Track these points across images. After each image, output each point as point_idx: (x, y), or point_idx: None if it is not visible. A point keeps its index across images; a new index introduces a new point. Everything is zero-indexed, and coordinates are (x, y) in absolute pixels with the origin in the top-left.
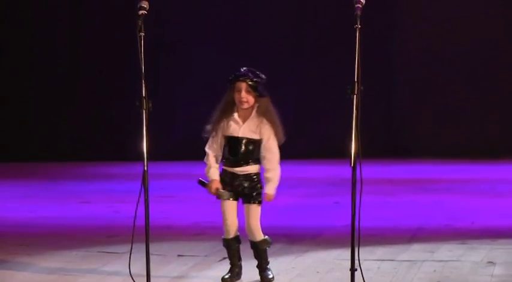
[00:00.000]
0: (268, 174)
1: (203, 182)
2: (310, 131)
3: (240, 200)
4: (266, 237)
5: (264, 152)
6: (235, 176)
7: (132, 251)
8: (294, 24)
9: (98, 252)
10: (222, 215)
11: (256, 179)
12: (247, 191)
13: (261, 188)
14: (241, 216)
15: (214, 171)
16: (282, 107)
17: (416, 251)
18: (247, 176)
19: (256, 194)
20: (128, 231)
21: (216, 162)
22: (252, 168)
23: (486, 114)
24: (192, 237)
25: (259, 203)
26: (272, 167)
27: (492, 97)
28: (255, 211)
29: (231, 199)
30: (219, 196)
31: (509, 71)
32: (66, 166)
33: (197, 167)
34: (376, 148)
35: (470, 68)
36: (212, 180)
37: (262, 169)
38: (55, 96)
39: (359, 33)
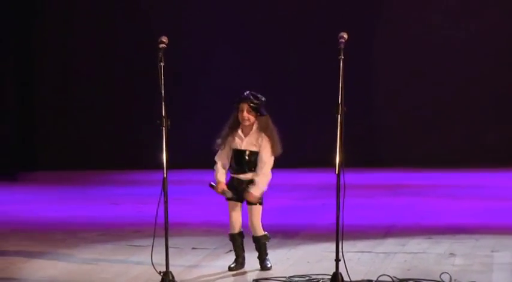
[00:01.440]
0: (256, 178)
1: (212, 185)
2: (303, 144)
3: (245, 201)
4: (266, 233)
5: (259, 161)
6: (240, 181)
7: (154, 244)
8: (290, 55)
9: (125, 245)
10: (228, 213)
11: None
12: (241, 192)
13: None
14: (245, 215)
15: (220, 175)
16: (279, 124)
17: (390, 244)
18: (250, 182)
19: (256, 198)
20: (150, 228)
21: (223, 168)
22: (252, 175)
23: (450, 128)
24: (203, 233)
25: (260, 204)
26: (261, 173)
27: (455, 112)
28: (257, 211)
29: (235, 201)
30: (223, 194)
31: (473, 86)
32: (98, 173)
33: (207, 174)
34: (356, 159)
35: (436, 85)
36: (219, 182)
37: None
38: (91, 114)
39: (342, 63)
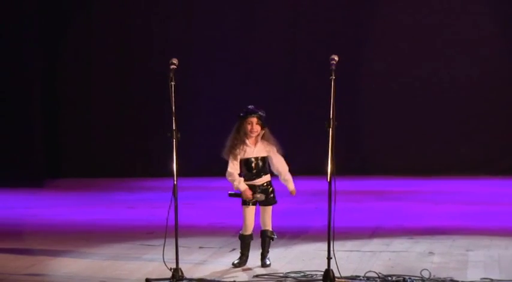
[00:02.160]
0: (285, 177)
1: (234, 193)
2: (298, 155)
3: (259, 204)
4: (272, 230)
5: (276, 163)
6: (254, 186)
7: (165, 243)
8: (287, 73)
9: (140, 244)
10: (243, 216)
11: (269, 187)
12: (265, 196)
13: (273, 192)
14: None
15: (243, 184)
16: (278, 136)
17: (375, 244)
18: (267, 184)
19: (271, 198)
20: (161, 229)
21: (240, 177)
22: (266, 178)
23: (430, 140)
24: (210, 233)
25: (273, 203)
26: (285, 171)
27: (434, 126)
28: (269, 210)
29: (253, 205)
30: (256, 199)
31: (448, 103)
32: (115, 180)
33: (213, 181)
34: (346, 167)
35: (415, 102)
36: (245, 190)
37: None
38: (109, 127)
39: (334, 83)
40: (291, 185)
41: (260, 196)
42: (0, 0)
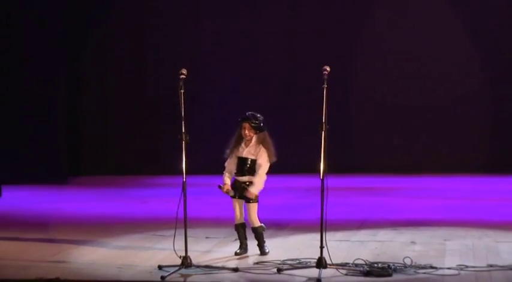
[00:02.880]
0: (254, 179)
1: (220, 186)
2: (294, 155)
3: (243, 199)
4: (261, 224)
5: (256, 166)
6: (239, 182)
7: (175, 234)
8: (286, 81)
9: (152, 235)
10: (233, 208)
11: (249, 185)
12: (238, 191)
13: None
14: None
15: (227, 179)
16: (276, 138)
17: (363, 234)
18: (246, 183)
19: (252, 196)
20: (172, 221)
21: (229, 173)
22: (250, 178)
23: (413, 141)
24: (215, 225)
25: (256, 201)
26: (257, 175)
27: (416, 128)
28: (253, 207)
29: (237, 198)
30: (228, 193)
31: (431, 105)
32: (130, 177)
33: (217, 179)
34: (336, 166)
35: (399, 107)
36: (225, 184)
37: None
38: (125, 129)
39: (326, 91)
40: (252, 188)
41: (230, 192)
42: (30, 5)
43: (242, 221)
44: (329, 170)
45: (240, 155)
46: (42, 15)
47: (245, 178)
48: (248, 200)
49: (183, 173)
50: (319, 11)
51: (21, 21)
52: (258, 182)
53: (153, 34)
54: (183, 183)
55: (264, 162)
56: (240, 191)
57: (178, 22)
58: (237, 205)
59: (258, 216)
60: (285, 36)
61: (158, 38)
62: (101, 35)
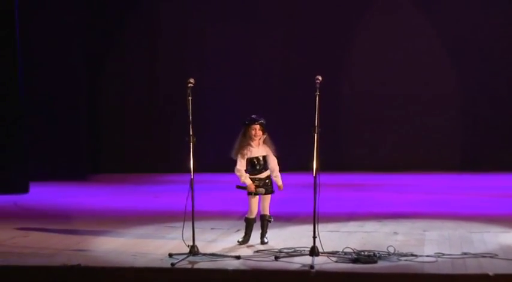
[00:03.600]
0: (276, 174)
1: (241, 186)
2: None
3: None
4: (270, 214)
5: (270, 163)
6: (260, 179)
7: (184, 225)
8: (284, 88)
9: (164, 226)
10: (249, 204)
11: (269, 179)
12: (267, 187)
13: (271, 183)
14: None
15: (248, 179)
16: (275, 139)
17: (351, 226)
18: (267, 178)
19: (269, 188)
20: (181, 214)
21: (246, 173)
22: (266, 173)
23: (395, 143)
24: (219, 217)
25: (271, 193)
26: (276, 170)
27: (400, 130)
28: (268, 198)
29: (263, 194)
30: (258, 192)
31: (411, 109)
32: (144, 175)
33: (222, 176)
34: (328, 165)
35: (385, 112)
36: (250, 184)
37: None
38: (140, 131)
39: (318, 97)
40: (279, 181)
41: (261, 190)
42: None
43: (255, 215)
44: (321, 168)
45: (251, 156)
46: (66, 23)
47: (264, 175)
48: (269, 192)
49: (190, 171)
50: (313, 23)
51: (45, 28)
52: (280, 175)
53: (164, 43)
54: (191, 180)
55: (275, 159)
56: (264, 187)
57: (186, 35)
58: (256, 201)
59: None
60: (283, 46)
61: (168, 46)
62: (118, 44)
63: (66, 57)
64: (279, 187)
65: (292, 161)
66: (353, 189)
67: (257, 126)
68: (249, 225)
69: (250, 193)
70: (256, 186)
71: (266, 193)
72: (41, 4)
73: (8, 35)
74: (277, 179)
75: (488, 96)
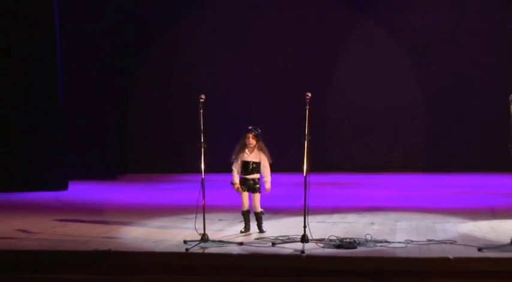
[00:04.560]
0: (266, 179)
1: (232, 183)
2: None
3: (250, 192)
4: (262, 209)
5: (262, 168)
6: (247, 179)
7: (196, 217)
8: (280, 100)
9: (179, 218)
10: (241, 199)
11: (257, 181)
12: (252, 186)
13: (259, 185)
14: (250, 200)
15: (236, 178)
16: (270, 145)
17: (335, 217)
18: (253, 180)
19: (257, 188)
20: (193, 207)
21: (237, 174)
22: (254, 176)
23: (372, 147)
24: (226, 210)
25: (259, 192)
26: (266, 175)
27: (374, 136)
28: (257, 197)
29: (245, 191)
30: (238, 191)
31: (385, 118)
32: (164, 175)
33: (227, 176)
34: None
35: (361, 122)
36: (235, 183)
37: (261, 176)
38: (159, 138)
39: (308, 111)
40: (267, 184)
41: (240, 190)
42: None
43: (247, 208)
44: (310, 169)
45: (244, 159)
46: (96, 36)
47: (251, 176)
48: (254, 191)
49: (202, 172)
50: (306, 41)
51: (81, 42)
52: (269, 179)
53: (179, 62)
54: (202, 180)
55: (267, 165)
56: (247, 186)
57: (198, 55)
58: (245, 196)
59: (261, 204)
60: (280, 70)
61: (183, 67)
62: (142, 58)
63: (98, 70)
64: (266, 190)
65: (286, 163)
66: (337, 187)
67: (251, 135)
68: (244, 216)
69: (236, 189)
70: (241, 184)
71: (253, 192)
72: (77, 20)
73: (49, 45)
74: (267, 183)
75: (448, 110)
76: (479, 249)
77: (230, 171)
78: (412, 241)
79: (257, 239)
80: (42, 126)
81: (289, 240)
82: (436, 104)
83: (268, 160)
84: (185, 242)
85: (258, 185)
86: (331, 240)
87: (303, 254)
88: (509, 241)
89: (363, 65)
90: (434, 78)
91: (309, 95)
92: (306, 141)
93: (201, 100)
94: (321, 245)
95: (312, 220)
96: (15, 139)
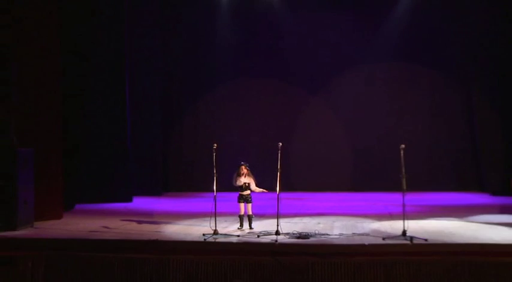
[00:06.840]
0: (257, 191)
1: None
2: (263, 181)
3: (245, 202)
4: (252, 214)
5: (251, 187)
6: (243, 195)
7: (210, 219)
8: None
9: (200, 219)
10: (239, 207)
11: (249, 196)
12: (246, 199)
13: (251, 198)
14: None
15: (239, 183)
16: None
17: (296, 220)
18: (247, 195)
19: (249, 200)
20: (209, 213)
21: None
22: (247, 192)
23: (331, 168)
24: (229, 215)
25: (251, 203)
26: (256, 190)
27: (335, 155)
28: (249, 206)
29: (242, 203)
30: (239, 202)
31: (339, 145)
32: (193, 194)
33: (230, 194)
34: (285, 186)
35: (326, 143)
36: (238, 197)
37: (251, 192)
38: (194, 164)
39: (280, 154)
40: (262, 190)
41: (240, 202)
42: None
43: (243, 213)
44: (281, 189)
45: (240, 183)
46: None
47: (245, 192)
48: (248, 202)
49: (214, 191)
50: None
51: (138, 76)
52: (258, 190)
53: (203, 109)
54: (214, 196)
55: (254, 185)
56: (243, 199)
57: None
58: (242, 206)
59: (252, 210)
60: (263, 126)
61: (206, 114)
62: (190, 93)
63: (149, 103)
64: (263, 191)
65: (265, 185)
66: (297, 200)
67: (243, 167)
68: (240, 219)
69: (239, 201)
70: (239, 198)
71: (247, 202)
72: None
73: (120, 77)
74: (257, 190)
75: (371, 138)
76: (383, 239)
77: (232, 190)
78: (343, 234)
79: (248, 233)
80: (116, 156)
81: (268, 233)
82: (360, 138)
83: (254, 182)
84: (203, 234)
85: (250, 198)
86: (294, 234)
87: (276, 242)
88: (400, 233)
89: (322, 116)
90: (363, 119)
91: (280, 144)
92: (278, 172)
93: (214, 147)
94: (288, 236)
95: (282, 221)
96: (94, 163)
